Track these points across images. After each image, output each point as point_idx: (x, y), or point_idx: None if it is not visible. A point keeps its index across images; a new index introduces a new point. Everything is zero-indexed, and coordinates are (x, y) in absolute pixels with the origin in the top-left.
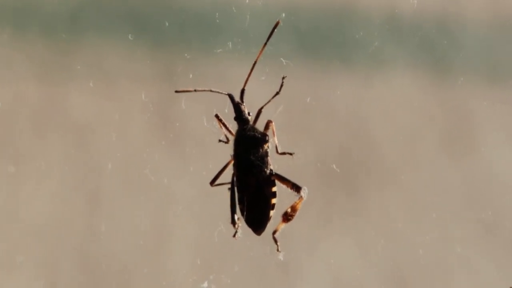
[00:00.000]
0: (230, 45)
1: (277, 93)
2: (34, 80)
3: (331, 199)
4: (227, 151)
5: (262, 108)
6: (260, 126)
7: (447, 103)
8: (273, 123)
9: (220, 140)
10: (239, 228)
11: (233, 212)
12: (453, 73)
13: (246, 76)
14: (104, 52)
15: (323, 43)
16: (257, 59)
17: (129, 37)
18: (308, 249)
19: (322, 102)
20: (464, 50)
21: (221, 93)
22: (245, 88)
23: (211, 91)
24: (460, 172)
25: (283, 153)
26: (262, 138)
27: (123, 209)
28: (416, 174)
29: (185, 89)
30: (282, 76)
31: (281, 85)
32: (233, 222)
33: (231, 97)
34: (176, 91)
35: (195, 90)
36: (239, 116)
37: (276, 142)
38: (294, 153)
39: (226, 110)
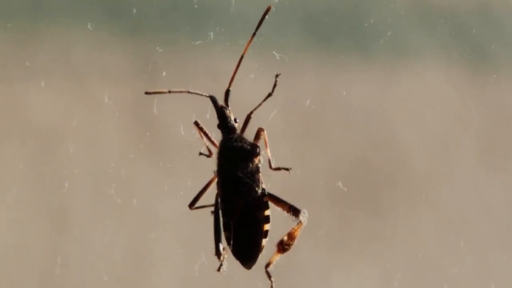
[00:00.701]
0: (212, 36)
1: (270, 95)
2: None
3: (346, 220)
4: (210, 166)
5: (251, 113)
6: (249, 135)
7: (486, 103)
8: (265, 131)
9: (201, 153)
10: (224, 261)
11: (217, 241)
12: (494, 67)
13: (232, 74)
14: (70, 43)
15: (333, 30)
16: (244, 53)
17: (89, 26)
18: (319, 281)
19: (333, 103)
20: (507, 39)
21: (201, 94)
22: (230, 88)
23: (188, 92)
24: (502, 187)
25: (278, 169)
26: (252, 150)
27: (90, 235)
28: (449, 190)
29: (158, 90)
30: (275, 73)
31: (274, 85)
32: (218, 253)
33: (213, 99)
34: (147, 93)
35: (169, 92)
36: (224, 123)
37: (269, 155)
38: (290, 169)
39: (208, 116)
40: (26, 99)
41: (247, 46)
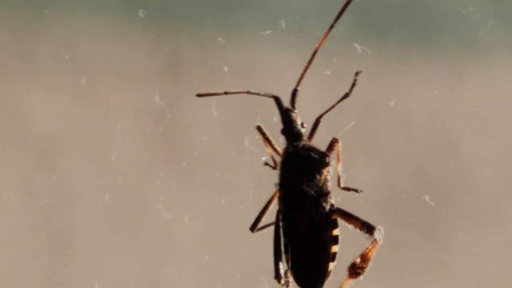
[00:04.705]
0: (284, 25)
1: (347, 95)
2: None
3: (401, 244)
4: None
5: (321, 116)
6: (320, 143)
7: None
8: (339, 143)
9: (266, 163)
10: (288, 285)
11: (277, 262)
12: None
13: (301, 71)
14: (83, 32)
15: (393, 22)
16: (318, 47)
17: (140, 13)
18: None
19: (388, 106)
20: None
21: (264, 95)
22: (298, 88)
23: (248, 93)
24: None
25: (347, 189)
26: (321, 160)
27: (114, 262)
28: None
29: (212, 91)
30: (355, 70)
31: (353, 84)
32: (277, 276)
33: (277, 101)
34: (199, 95)
35: (225, 93)
36: (289, 128)
37: (340, 171)
38: (361, 191)
39: (275, 118)
40: (25, 100)
41: (323, 39)
